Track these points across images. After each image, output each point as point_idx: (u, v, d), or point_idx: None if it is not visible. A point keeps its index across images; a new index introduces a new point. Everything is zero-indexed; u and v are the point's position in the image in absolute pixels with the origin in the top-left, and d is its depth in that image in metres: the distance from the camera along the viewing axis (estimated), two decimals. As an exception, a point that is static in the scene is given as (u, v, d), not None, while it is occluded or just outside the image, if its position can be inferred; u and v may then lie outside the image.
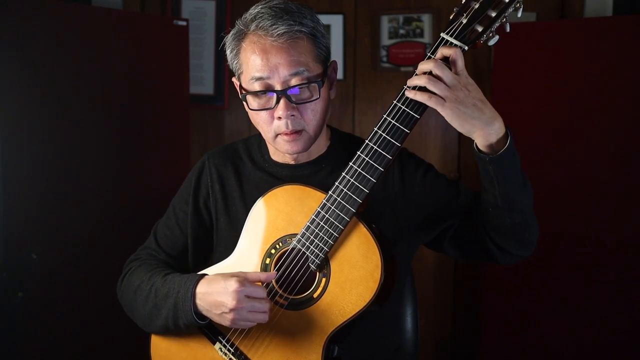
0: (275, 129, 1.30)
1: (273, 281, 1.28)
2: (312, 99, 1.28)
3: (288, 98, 1.26)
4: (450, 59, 1.11)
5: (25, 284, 2.19)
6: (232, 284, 1.20)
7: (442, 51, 1.11)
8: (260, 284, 1.24)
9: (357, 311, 1.19)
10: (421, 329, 1.66)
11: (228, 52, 1.34)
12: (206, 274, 1.30)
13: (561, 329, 2.50)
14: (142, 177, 2.59)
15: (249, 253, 1.32)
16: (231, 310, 1.19)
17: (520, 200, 1.21)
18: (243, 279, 1.21)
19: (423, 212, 1.37)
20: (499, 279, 2.60)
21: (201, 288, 1.25)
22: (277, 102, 1.26)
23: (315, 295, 1.23)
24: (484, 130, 1.12)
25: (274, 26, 1.24)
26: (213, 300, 1.22)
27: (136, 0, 2.99)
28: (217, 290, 1.22)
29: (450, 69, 1.10)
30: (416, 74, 1.13)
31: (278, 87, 1.26)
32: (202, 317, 1.27)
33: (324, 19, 3.07)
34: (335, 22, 3.10)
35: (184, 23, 2.70)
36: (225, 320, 1.22)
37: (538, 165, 2.52)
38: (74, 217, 2.36)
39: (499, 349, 2.66)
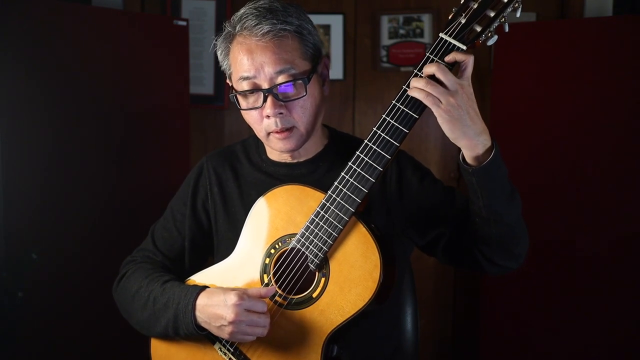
0: (266, 128, 1.31)
1: (272, 281, 1.28)
2: (299, 96, 1.28)
3: (275, 96, 1.26)
4: (462, 64, 1.11)
5: (25, 284, 2.19)
6: (232, 298, 1.21)
7: (456, 56, 1.11)
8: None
9: (356, 311, 1.19)
10: (421, 329, 1.66)
11: (219, 54, 1.35)
12: (207, 287, 1.30)
13: (561, 329, 2.50)
14: (142, 177, 2.59)
15: (248, 253, 1.32)
16: (230, 323, 1.20)
17: (506, 212, 1.20)
18: (242, 293, 1.22)
19: (418, 216, 1.37)
20: (499, 279, 2.60)
21: (201, 300, 1.26)
22: (265, 100, 1.27)
23: (314, 295, 1.23)
24: (472, 140, 1.12)
25: (257, 26, 1.25)
26: (212, 312, 1.23)
27: (136, 0, 2.99)
28: (216, 303, 1.23)
29: (455, 74, 1.10)
30: (420, 75, 1.13)
31: (265, 86, 1.27)
32: (202, 327, 1.28)
33: (324, 19, 3.08)
34: (335, 22, 3.09)
35: (184, 23, 2.70)
36: (224, 333, 1.23)
37: (537, 165, 2.53)
38: (74, 217, 2.36)
39: (499, 349, 2.66)
